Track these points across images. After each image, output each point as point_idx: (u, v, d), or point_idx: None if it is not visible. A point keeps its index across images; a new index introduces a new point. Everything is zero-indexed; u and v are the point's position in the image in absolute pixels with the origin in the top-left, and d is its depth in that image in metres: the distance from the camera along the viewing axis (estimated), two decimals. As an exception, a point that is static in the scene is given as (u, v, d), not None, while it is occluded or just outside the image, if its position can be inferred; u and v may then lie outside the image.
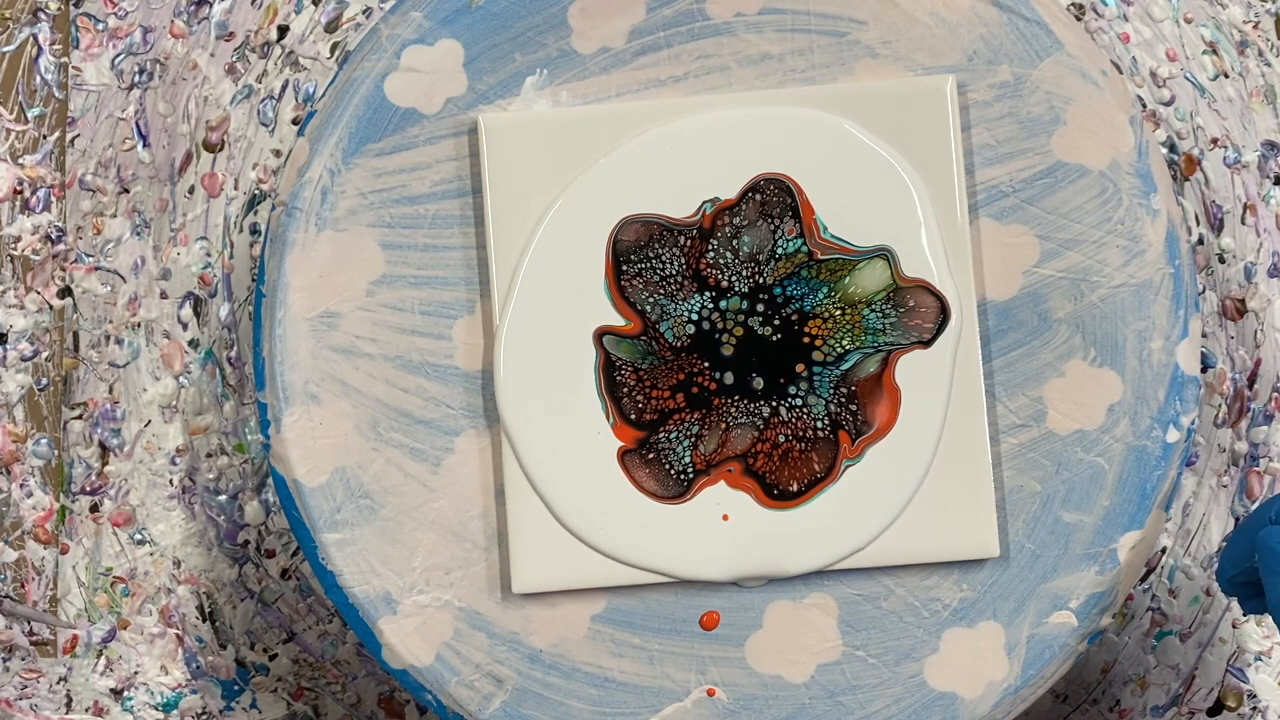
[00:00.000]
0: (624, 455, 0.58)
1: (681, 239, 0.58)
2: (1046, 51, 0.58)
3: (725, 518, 0.58)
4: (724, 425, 0.58)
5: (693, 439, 0.58)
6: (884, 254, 0.58)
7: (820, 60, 0.59)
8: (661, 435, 0.58)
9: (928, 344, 0.58)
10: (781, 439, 0.58)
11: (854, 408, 0.58)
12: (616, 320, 0.58)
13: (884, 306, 0.58)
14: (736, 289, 0.58)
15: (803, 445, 0.58)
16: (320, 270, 0.58)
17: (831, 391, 0.58)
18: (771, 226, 0.58)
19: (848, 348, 0.58)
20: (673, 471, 0.58)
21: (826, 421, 0.58)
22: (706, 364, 0.58)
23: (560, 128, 0.58)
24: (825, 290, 0.58)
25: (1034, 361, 0.58)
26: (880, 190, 0.58)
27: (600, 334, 0.58)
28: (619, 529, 0.58)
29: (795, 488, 0.58)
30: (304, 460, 0.58)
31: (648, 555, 0.58)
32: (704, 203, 0.58)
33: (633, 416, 0.58)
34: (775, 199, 0.58)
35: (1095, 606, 0.58)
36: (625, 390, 0.58)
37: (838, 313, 0.58)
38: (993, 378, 0.58)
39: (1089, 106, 0.58)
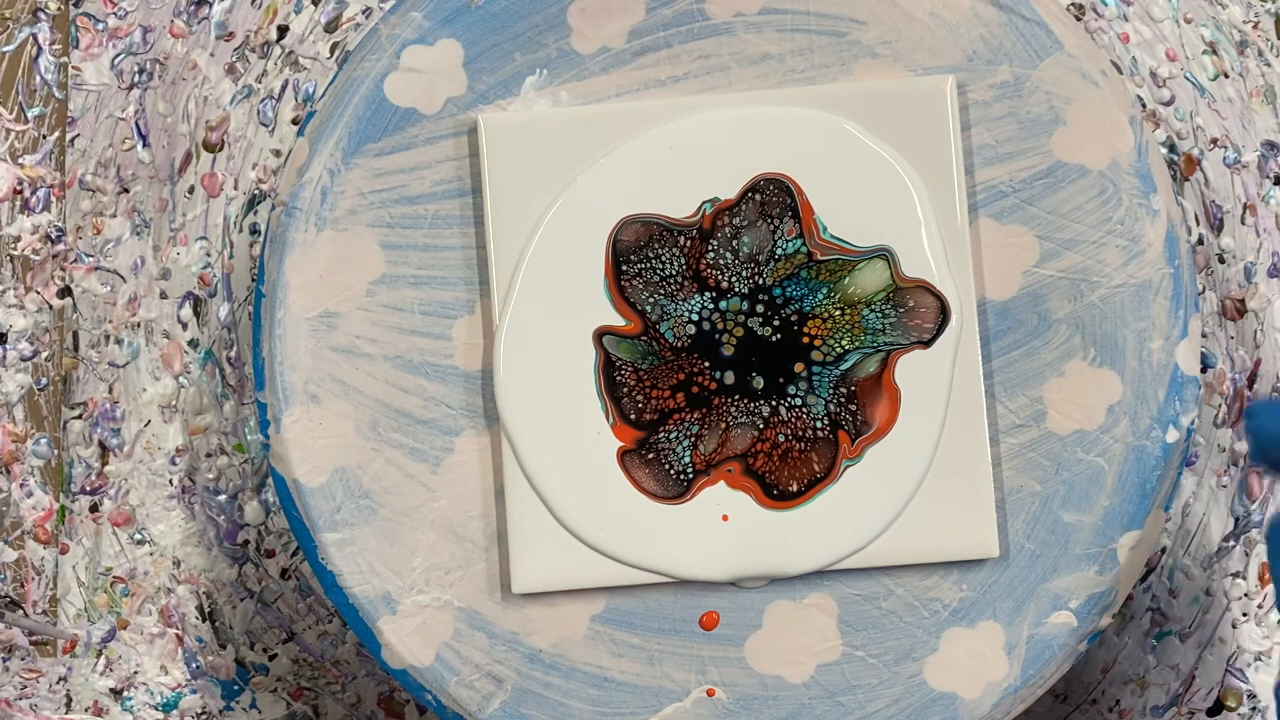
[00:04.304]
0: (624, 455, 0.58)
1: (681, 239, 0.58)
2: (1046, 51, 0.58)
3: (725, 518, 0.58)
4: (724, 425, 0.58)
5: (692, 439, 0.58)
6: (884, 254, 0.58)
7: (820, 60, 0.59)
8: (661, 435, 0.58)
9: (927, 344, 0.58)
10: (781, 439, 0.58)
11: (854, 408, 0.58)
12: (616, 320, 0.58)
13: (884, 307, 0.58)
14: (736, 290, 0.58)
15: (802, 445, 0.58)
16: (320, 270, 0.58)
17: (831, 391, 0.58)
18: (771, 227, 0.58)
19: (847, 348, 0.58)
20: (672, 472, 0.58)
21: (826, 421, 0.58)
22: (707, 364, 0.58)
23: (560, 128, 0.58)
24: (825, 291, 0.58)
25: (1034, 361, 0.58)
26: (880, 190, 0.58)
27: (600, 334, 0.58)
28: (619, 529, 0.58)
29: (795, 488, 0.58)
30: (304, 460, 0.58)
31: (647, 555, 0.58)
32: (704, 203, 0.58)
33: (632, 416, 0.58)
34: (775, 199, 0.58)
35: (1095, 606, 0.58)
36: (625, 390, 0.58)
37: (837, 313, 0.58)
38: (992, 378, 0.58)
39: (1089, 106, 0.58)
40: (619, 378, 0.58)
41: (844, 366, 0.58)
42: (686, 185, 0.58)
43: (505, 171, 0.58)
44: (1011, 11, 0.58)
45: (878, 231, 0.58)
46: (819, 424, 0.58)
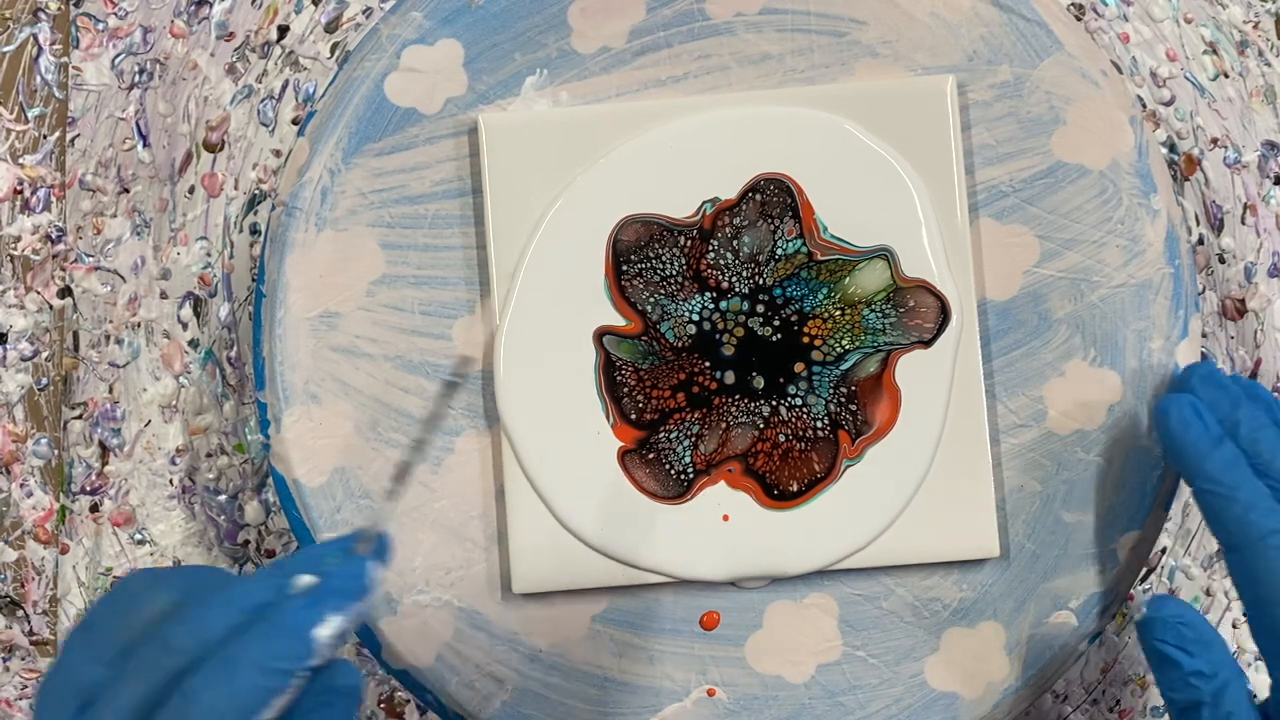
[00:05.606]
0: (624, 455, 0.58)
1: (682, 239, 0.58)
2: (1046, 51, 0.58)
3: (725, 518, 0.58)
4: (724, 425, 0.58)
5: (693, 439, 0.58)
6: (884, 254, 0.58)
7: (820, 60, 0.59)
8: (662, 435, 0.58)
9: (928, 344, 0.58)
10: (781, 439, 0.58)
11: (854, 407, 0.58)
12: (617, 320, 0.58)
13: (884, 306, 0.58)
14: (737, 290, 0.58)
15: (803, 445, 0.58)
16: (320, 270, 0.58)
17: (831, 391, 0.58)
18: (771, 227, 0.58)
19: (847, 348, 0.58)
20: (673, 471, 0.58)
21: (826, 421, 0.58)
22: (707, 364, 0.58)
23: (560, 128, 0.58)
24: (825, 291, 0.58)
25: (1034, 361, 0.58)
26: (880, 190, 0.58)
27: (600, 334, 0.58)
28: (619, 529, 0.57)
29: (795, 487, 0.58)
30: (304, 460, 0.58)
31: (648, 555, 0.58)
32: (704, 203, 0.58)
33: (633, 416, 0.58)
34: (775, 199, 0.58)
35: (1095, 606, 0.58)
36: (626, 390, 0.58)
37: (837, 313, 0.58)
38: (993, 377, 0.58)
39: (1089, 106, 0.58)
40: (619, 378, 0.58)
41: (844, 366, 0.58)
42: (687, 185, 0.58)
43: (505, 171, 0.58)
44: (1012, 11, 0.58)
45: (878, 231, 0.58)
46: (819, 424, 0.58)
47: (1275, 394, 0.65)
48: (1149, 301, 0.58)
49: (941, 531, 0.57)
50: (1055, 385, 0.58)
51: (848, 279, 0.58)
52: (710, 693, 0.58)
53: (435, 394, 0.51)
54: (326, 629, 0.44)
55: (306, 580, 0.45)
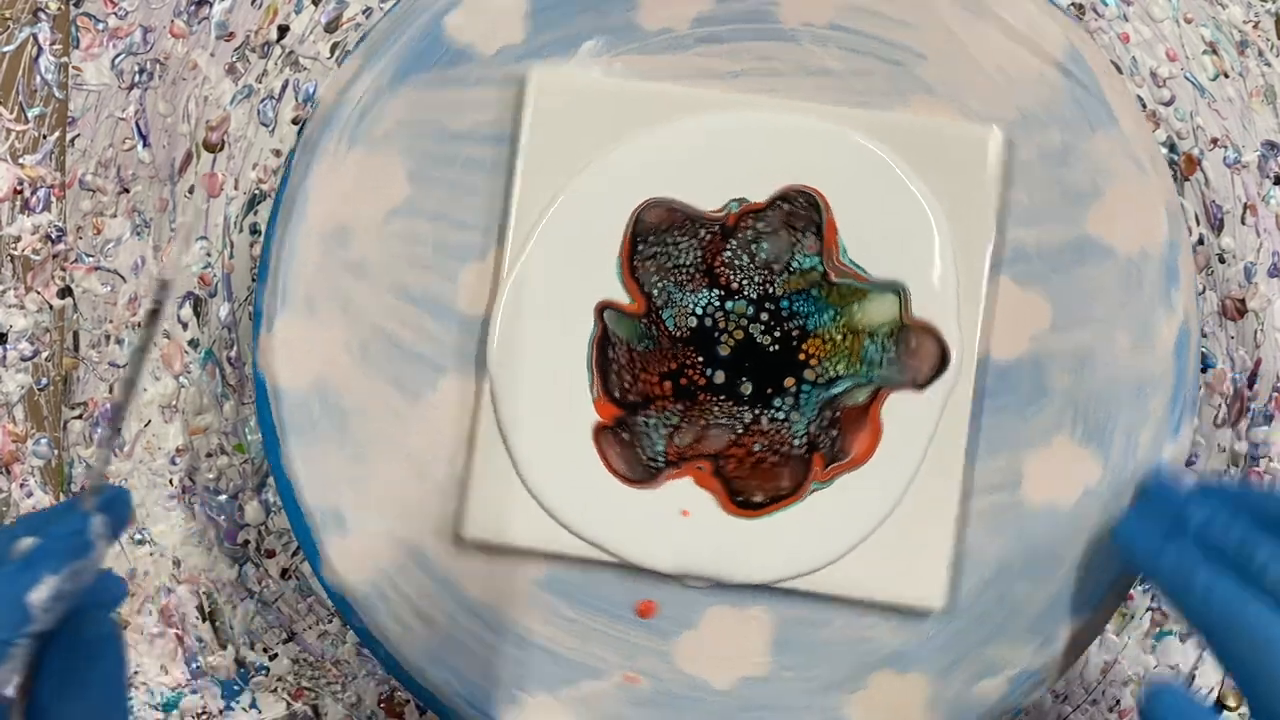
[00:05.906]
0: (600, 431, 0.58)
1: (702, 231, 0.58)
2: (1100, 125, 0.58)
3: (685, 513, 0.58)
4: (704, 422, 0.58)
5: (670, 429, 0.58)
6: (897, 290, 0.58)
7: (877, 86, 0.59)
8: (640, 418, 0.58)
9: (921, 387, 0.58)
10: (757, 448, 0.58)
11: (834, 433, 0.57)
12: (622, 298, 0.58)
13: (886, 341, 0.58)
14: (745, 293, 0.58)
15: (776, 459, 0.58)
16: (344, 186, 0.59)
17: (815, 412, 0.58)
18: (793, 239, 0.58)
19: (841, 373, 0.58)
20: (644, 457, 0.58)
21: (804, 440, 0.57)
22: (700, 359, 0.58)
23: (607, 97, 0.58)
24: (832, 313, 0.58)
25: (1022, 428, 0.58)
26: (907, 226, 0.58)
27: (602, 308, 0.58)
28: (578, 500, 0.58)
29: (759, 499, 0.57)
30: (287, 365, 0.58)
31: (600, 533, 0.58)
32: (731, 200, 0.58)
33: (616, 394, 0.58)
34: (802, 212, 0.58)
35: (1026, 682, 0.57)
36: (615, 367, 0.58)
37: (839, 337, 0.58)
38: (977, 435, 0.58)
39: (1130, 189, 0.58)
40: (612, 354, 0.58)
41: (834, 391, 0.58)
42: (718, 180, 0.58)
43: (544, 129, 0.58)
44: (1075, 80, 0.58)
45: (895, 266, 0.58)
46: (796, 441, 0.58)
47: (1275, 393, 0.64)
48: (1148, 395, 0.57)
49: (892, 573, 0.57)
50: (1037, 455, 0.58)
51: (856, 306, 0.58)
52: (630, 679, 0.58)
53: (142, 325, 0.49)
54: (41, 592, 0.43)
55: (27, 544, 0.44)
